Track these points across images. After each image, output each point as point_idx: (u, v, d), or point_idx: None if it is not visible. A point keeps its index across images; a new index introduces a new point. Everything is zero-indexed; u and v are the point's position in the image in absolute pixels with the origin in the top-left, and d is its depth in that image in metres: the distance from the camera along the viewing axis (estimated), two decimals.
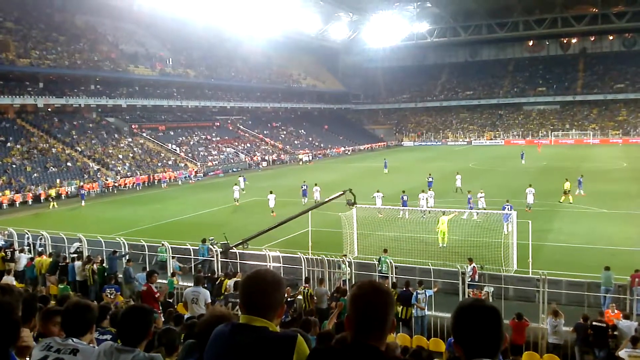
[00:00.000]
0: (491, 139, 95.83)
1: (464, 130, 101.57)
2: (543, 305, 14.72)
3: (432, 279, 16.62)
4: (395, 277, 17.07)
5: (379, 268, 18.10)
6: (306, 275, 17.24)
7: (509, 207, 25.24)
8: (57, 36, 63.80)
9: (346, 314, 2.43)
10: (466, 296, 15.51)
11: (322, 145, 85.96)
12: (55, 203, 39.95)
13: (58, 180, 45.42)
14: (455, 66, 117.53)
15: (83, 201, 40.91)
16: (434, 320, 14.70)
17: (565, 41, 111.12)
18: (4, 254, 20.43)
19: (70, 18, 69.05)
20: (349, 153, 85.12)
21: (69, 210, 39.17)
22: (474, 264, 17.51)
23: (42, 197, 41.95)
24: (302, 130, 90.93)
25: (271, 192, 34.04)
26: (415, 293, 14.75)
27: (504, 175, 41.82)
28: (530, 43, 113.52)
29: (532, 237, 20.38)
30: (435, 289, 15.77)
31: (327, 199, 23.51)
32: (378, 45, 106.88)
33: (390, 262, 17.70)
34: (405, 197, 31.12)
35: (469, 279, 16.56)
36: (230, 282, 15.49)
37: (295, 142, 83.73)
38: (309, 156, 74.31)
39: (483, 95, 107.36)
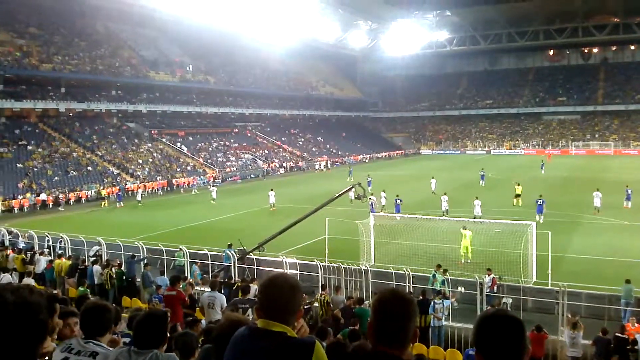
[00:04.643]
0: (510, 149, 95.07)
1: (483, 140, 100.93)
2: (562, 317, 14.52)
3: (450, 289, 16.49)
4: (412, 287, 16.97)
5: (432, 285, 17.31)
6: (322, 283, 17.21)
7: (542, 201, 30.59)
8: (78, 42, 64.79)
9: (368, 321, 2.42)
10: (484, 307, 15.35)
11: (339, 152, 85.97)
12: (106, 202, 41.51)
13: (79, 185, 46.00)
14: (474, 75, 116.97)
15: (120, 202, 41.83)
16: (451, 330, 14.56)
17: (586, 51, 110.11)
18: (24, 256, 20.71)
19: (92, 24, 70.10)
20: (366, 161, 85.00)
21: (88, 213, 39.63)
22: (493, 275, 17.34)
23: (62, 200, 42.45)
24: (320, 138, 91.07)
25: (272, 190, 38.69)
26: (432, 303, 14.64)
27: (524, 185, 41.56)
28: (551, 52, 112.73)
29: (552, 248, 20.13)
30: (453, 299, 15.64)
31: (337, 194, 23.35)
32: (397, 53, 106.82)
33: (446, 279, 17.21)
34: (398, 201, 31.78)
35: (488, 290, 16.40)
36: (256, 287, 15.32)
37: (313, 149, 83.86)
38: (326, 163, 74.30)
39: (502, 105, 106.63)
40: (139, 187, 46.08)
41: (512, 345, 2.19)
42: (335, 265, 18.37)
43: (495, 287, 17.06)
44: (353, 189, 23.05)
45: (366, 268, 18.80)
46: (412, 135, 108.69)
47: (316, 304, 15.37)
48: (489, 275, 17.14)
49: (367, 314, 13.26)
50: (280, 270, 17.95)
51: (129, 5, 67.65)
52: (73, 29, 66.69)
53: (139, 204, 42.04)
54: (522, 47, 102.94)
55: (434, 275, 17.48)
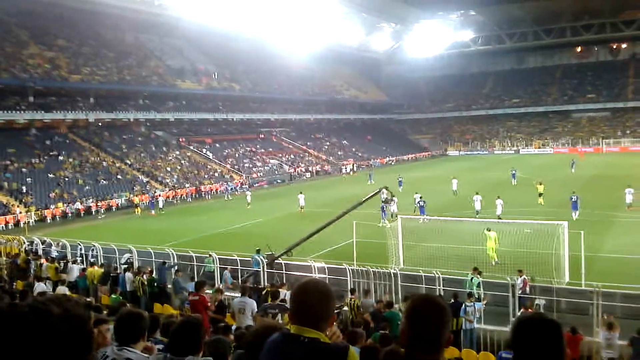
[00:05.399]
0: (539, 148, 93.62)
1: (511, 139, 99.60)
2: (597, 318, 14.22)
3: (482, 291, 16.28)
4: (443, 289, 16.81)
5: (468, 288, 16.87)
6: (351, 287, 17.17)
7: (576, 197, 30.64)
8: (106, 53, 66.01)
9: (400, 327, 2.41)
10: (517, 309, 15.12)
11: (365, 156, 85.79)
12: (139, 210, 42.45)
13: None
14: (500, 74, 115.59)
15: (152, 210, 42.54)
16: (483, 333, 14.37)
17: (614, 47, 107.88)
18: (57, 265, 21.12)
19: (119, 35, 71.37)
20: (392, 163, 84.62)
21: (119, 221, 40.28)
22: (524, 276, 17.07)
23: (93, 209, 43.22)
24: (345, 141, 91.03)
25: (301, 193, 39.48)
26: (464, 305, 14.47)
27: (553, 184, 40.85)
28: (579, 49, 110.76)
29: (585, 247, 19.73)
30: (485, 302, 15.44)
31: (364, 198, 23.30)
32: (421, 54, 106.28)
33: (479, 281, 16.91)
34: (421, 203, 31.54)
35: (520, 291, 16.15)
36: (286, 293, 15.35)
37: (339, 153, 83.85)
38: (352, 166, 74.20)
39: (530, 103, 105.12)
40: (159, 196, 46.61)
41: (551, 348, 2.17)
42: (363, 268, 18.30)
43: (527, 289, 16.79)
44: (383, 192, 22.97)
45: (395, 271, 18.68)
46: (439, 137, 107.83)
47: (346, 308, 15.33)
48: (520, 277, 16.87)
49: (397, 317, 13.17)
50: (312, 276, 17.98)
51: (154, 15, 68.75)
52: (101, 40, 67.97)
53: (161, 212, 42.59)
54: (548, 44, 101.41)
55: (471, 279, 17.20)
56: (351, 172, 71.22)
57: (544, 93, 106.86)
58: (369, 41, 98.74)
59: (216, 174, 59.68)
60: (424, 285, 17.59)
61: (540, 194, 36.16)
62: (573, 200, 30.86)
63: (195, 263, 21.59)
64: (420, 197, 33.34)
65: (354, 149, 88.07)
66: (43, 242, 26.42)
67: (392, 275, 18.17)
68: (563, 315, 15.38)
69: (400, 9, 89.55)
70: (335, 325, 2.95)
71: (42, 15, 60.92)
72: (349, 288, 16.90)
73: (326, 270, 19.24)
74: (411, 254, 22.91)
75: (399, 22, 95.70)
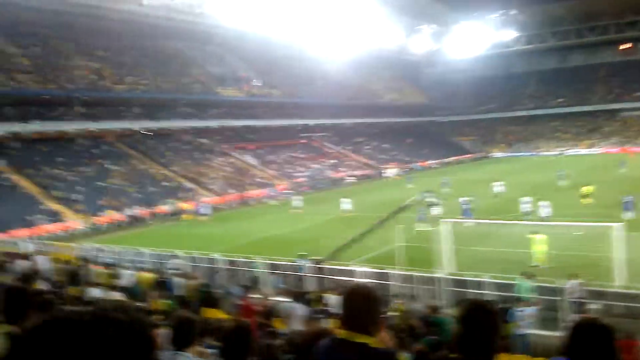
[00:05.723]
0: (587, 148, 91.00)
1: (556, 140, 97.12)
2: None
3: (533, 296, 15.92)
4: (491, 294, 16.52)
5: (518, 293, 16.63)
6: (397, 292, 17.08)
7: (630, 198, 29.77)
8: (149, 62, 67.67)
9: (452, 332, 2.41)
10: (569, 314, 14.73)
11: (406, 159, 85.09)
12: (186, 215, 43.65)
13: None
14: (543, 73, 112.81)
15: (199, 216, 43.42)
16: (535, 339, 14.06)
17: None
18: (110, 270, 21.71)
19: (160, 44, 73.00)
20: (434, 166, 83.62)
21: (167, 227, 41.15)
22: (576, 279, 16.61)
23: (141, 216, 44.24)
24: (386, 145, 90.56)
25: (346, 197, 39.92)
26: (514, 311, 14.19)
27: (602, 185, 39.64)
28: (623, 46, 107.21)
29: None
30: (537, 307, 15.09)
31: (407, 202, 23.19)
32: (461, 55, 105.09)
33: (530, 286, 16.54)
34: (467, 206, 30.99)
35: (573, 296, 15.72)
36: (333, 298, 15.40)
37: (380, 156, 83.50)
38: (395, 170, 73.67)
39: (575, 103, 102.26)
40: (205, 202, 47.34)
41: (606, 353, 2.14)
42: (409, 273, 18.17)
43: (580, 293, 16.34)
44: (426, 195, 22.78)
45: (441, 276, 18.49)
46: (481, 138, 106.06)
47: (392, 314, 15.24)
48: (572, 280, 16.43)
49: (445, 322, 13.03)
50: (361, 281, 17.96)
51: (194, 24, 70.30)
52: (143, 50, 69.69)
53: (206, 217, 43.31)
54: (592, 42, 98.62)
55: (521, 284, 16.82)
56: (394, 176, 70.70)
57: (588, 92, 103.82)
58: (408, 44, 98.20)
59: (259, 180, 60.30)
60: (471, 290, 17.33)
61: (585, 196, 35.10)
62: (626, 201, 29.92)
63: (242, 268, 21.86)
64: (466, 200, 32.83)
65: (394, 153, 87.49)
66: (94, 249, 27.23)
67: (438, 279, 17.98)
68: (618, 320, 14.90)
69: (440, 11, 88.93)
70: (385, 330, 2.96)
71: (84, 27, 62.82)
72: (395, 293, 16.82)
73: (371, 274, 19.18)
74: (457, 258, 22.59)
75: (438, 23, 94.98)
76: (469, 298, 13.82)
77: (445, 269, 21.45)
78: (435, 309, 14.32)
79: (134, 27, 66.96)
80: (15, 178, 45.22)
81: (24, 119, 50.82)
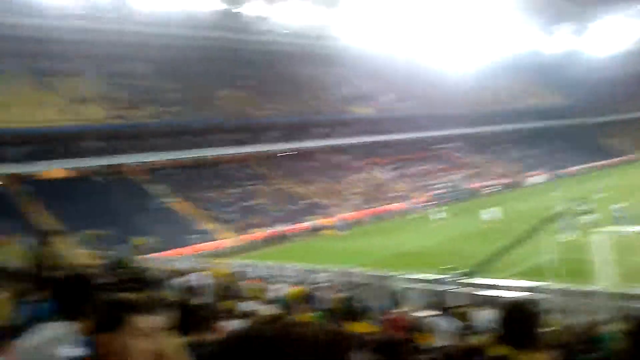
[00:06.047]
0: None
1: None
2: None
3: None
4: None
5: None
6: (551, 306, 16.17)
7: None
8: (284, 87, 71.00)
9: (615, 349, 2.36)
10: None
11: (549, 165, 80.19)
12: (328, 231, 45.52)
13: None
14: None
15: (341, 231, 45.04)
16: None
17: None
18: (259, 284, 22.85)
19: (294, 70, 76.30)
20: (581, 172, 77.83)
21: (310, 243, 42.69)
22: None
23: (286, 233, 46.32)
24: (527, 151, 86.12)
25: (489, 207, 39.70)
26: None
27: None
28: None
29: None
30: None
31: (557, 212, 21.87)
32: (603, 52, 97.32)
33: None
34: (619, 214, 28.22)
35: None
36: (481, 313, 15.08)
37: (521, 163, 79.60)
38: (541, 177, 69.75)
39: None
40: (344, 217, 48.29)
41: None
42: (564, 286, 17.16)
43: None
44: (577, 204, 21.46)
45: (600, 289, 17.26)
46: (632, 140, 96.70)
47: (547, 329, 14.50)
48: None
49: (606, 339, 12.15)
50: (516, 295, 17.30)
51: (322, 47, 74.10)
52: (280, 76, 73.11)
53: (345, 232, 44.00)
54: None
55: None
56: (539, 184, 66.96)
57: None
58: (545, 45, 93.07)
59: (395, 194, 60.31)
60: (635, 305, 15.93)
61: None
62: None
63: (384, 282, 21.92)
64: (619, 208, 30.17)
65: (536, 159, 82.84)
66: (244, 265, 28.86)
67: (597, 293, 16.78)
68: None
69: (576, 8, 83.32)
70: (543, 346, 2.94)
71: (225, 60, 67.94)
72: (548, 308, 15.95)
73: (521, 288, 18.35)
74: (616, 270, 20.91)
75: (576, 21, 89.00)
76: (629, 312, 12.78)
77: (603, 281, 19.99)
78: (594, 325, 13.39)
79: (270, 56, 71.58)
80: (172, 201, 49.52)
81: (179, 147, 55.65)
